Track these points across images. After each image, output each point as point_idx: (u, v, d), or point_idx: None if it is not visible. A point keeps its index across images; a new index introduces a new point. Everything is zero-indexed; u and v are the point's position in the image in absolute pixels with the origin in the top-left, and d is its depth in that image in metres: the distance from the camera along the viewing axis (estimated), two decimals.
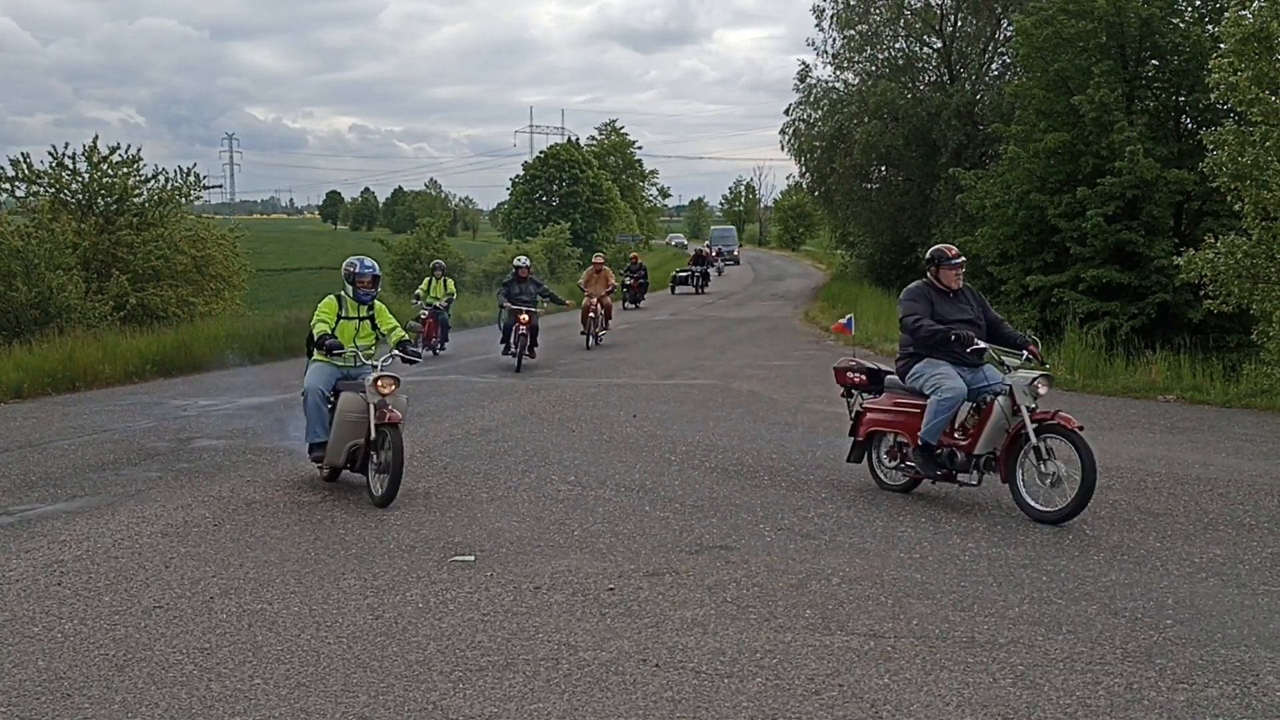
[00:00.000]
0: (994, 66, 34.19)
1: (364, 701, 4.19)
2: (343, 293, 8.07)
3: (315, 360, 8.01)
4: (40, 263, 20.07)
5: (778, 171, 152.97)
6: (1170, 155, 21.02)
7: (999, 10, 32.21)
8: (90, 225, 23.94)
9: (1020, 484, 6.92)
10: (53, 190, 24.45)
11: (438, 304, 18.23)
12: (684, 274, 40.48)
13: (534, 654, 4.67)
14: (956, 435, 7.23)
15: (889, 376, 7.78)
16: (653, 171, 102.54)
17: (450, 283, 18.95)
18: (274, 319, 21.12)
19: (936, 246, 7.67)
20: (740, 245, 79.38)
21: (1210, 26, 20.47)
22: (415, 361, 7.94)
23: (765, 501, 7.50)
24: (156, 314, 23.16)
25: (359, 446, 7.58)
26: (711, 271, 44.92)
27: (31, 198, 24.60)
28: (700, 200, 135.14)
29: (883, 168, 35.75)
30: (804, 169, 39.08)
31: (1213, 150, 13.49)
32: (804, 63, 40.73)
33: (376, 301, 8.16)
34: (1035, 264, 22.31)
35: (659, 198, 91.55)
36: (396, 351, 7.87)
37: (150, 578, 5.84)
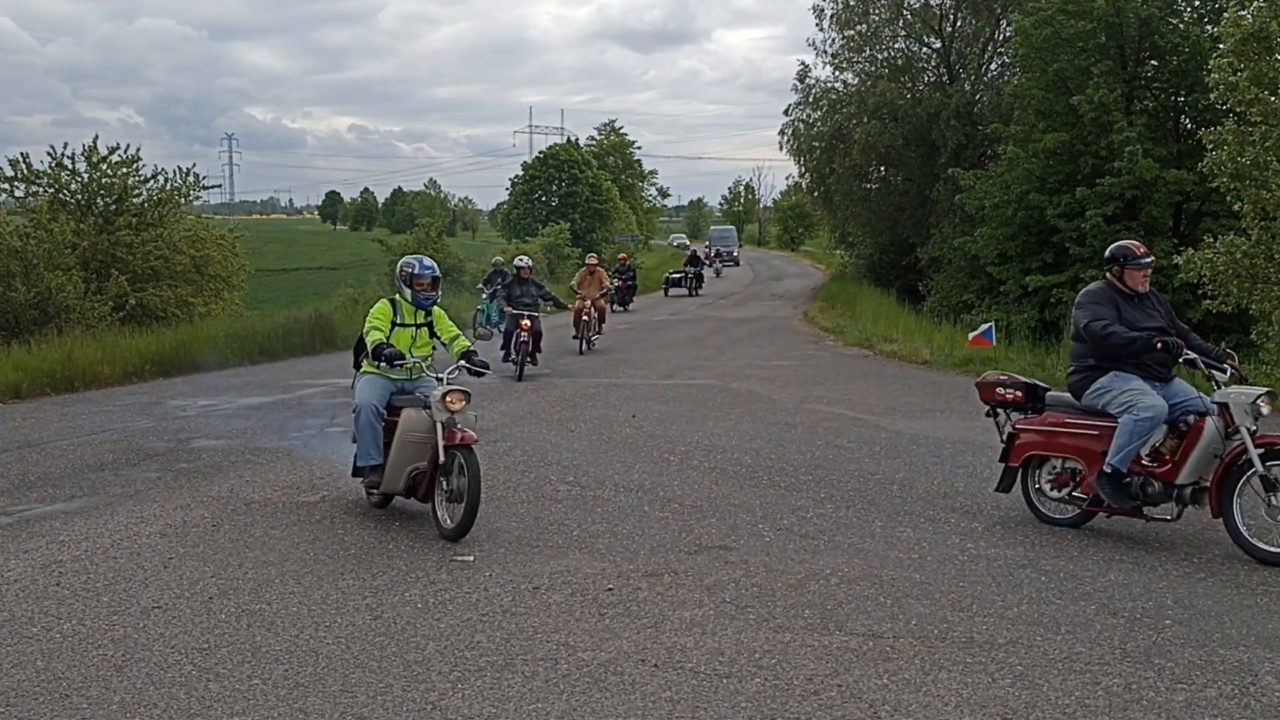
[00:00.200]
0: (993, 67, 34.22)
1: (362, 702, 4.19)
2: (397, 296, 7.27)
3: (366, 372, 7.19)
4: (39, 263, 20.07)
5: (777, 172, 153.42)
6: (1169, 155, 21.05)
7: (998, 10, 32.22)
8: (89, 225, 23.95)
9: (1239, 519, 5.96)
10: (52, 190, 24.46)
11: None
12: (677, 275, 39.56)
13: (533, 654, 4.67)
14: (1146, 461, 6.28)
15: (1050, 393, 7.01)
16: (652, 171, 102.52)
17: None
18: (273, 319, 21.13)
19: (1121, 243, 6.66)
20: (740, 245, 78.36)
21: (1209, 27, 20.49)
22: (483, 374, 7.12)
23: (764, 502, 7.49)
24: (155, 314, 23.17)
25: (421, 471, 6.76)
26: (709, 273, 44.62)
27: (30, 198, 24.62)
28: (700, 200, 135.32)
29: (882, 168, 35.77)
30: (803, 169, 39.14)
31: (1212, 150, 13.50)
32: (803, 63, 40.77)
33: (435, 307, 7.33)
34: (1034, 264, 22.35)
35: (658, 198, 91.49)
36: (462, 362, 7.03)
37: (149, 578, 5.84)
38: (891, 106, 32.42)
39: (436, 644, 4.81)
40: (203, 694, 4.28)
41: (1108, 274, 6.61)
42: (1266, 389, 6.10)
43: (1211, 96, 14.47)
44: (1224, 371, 6.20)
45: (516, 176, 64.35)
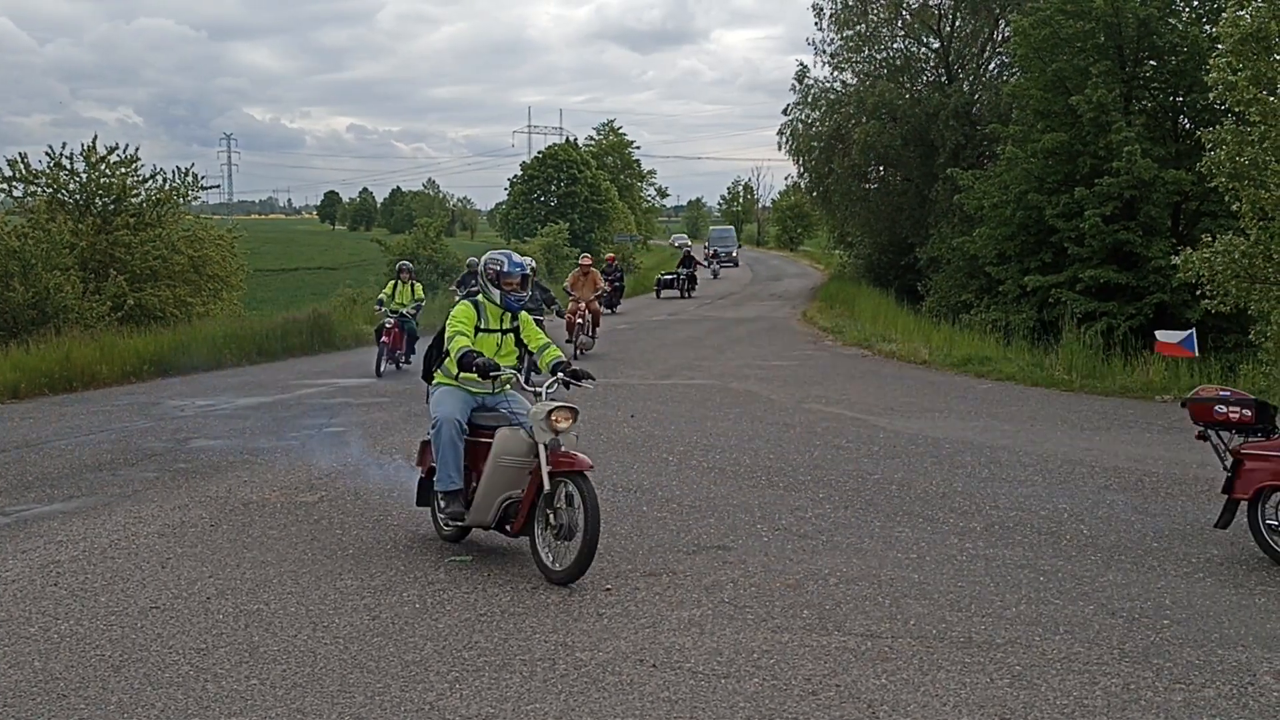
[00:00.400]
0: (992, 67, 34.24)
1: (360, 702, 4.18)
2: (480, 298, 6.32)
3: (442, 384, 6.33)
4: (37, 263, 20.05)
5: (776, 172, 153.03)
6: (1168, 155, 21.06)
7: (997, 10, 32.24)
8: (88, 225, 23.93)
9: None
10: (50, 190, 24.45)
11: (404, 311, 16.02)
12: (669, 277, 38.37)
13: (531, 654, 4.67)
14: None
15: None
16: (651, 171, 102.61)
17: (419, 287, 16.78)
18: (271, 319, 21.12)
19: None
20: (739, 246, 77.31)
21: (1208, 27, 20.50)
22: (586, 385, 6.11)
23: (762, 502, 7.49)
24: (154, 314, 23.15)
25: (515, 500, 5.87)
26: (706, 275, 44.21)
27: (29, 198, 24.60)
28: (698, 200, 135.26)
29: (881, 168, 35.77)
30: (802, 169, 39.11)
31: (1210, 150, 13.50)
32: (801, 63, 40.66)
33: (523, 311, 6.47)
34: (1033, 264, 22.35)
35: (657, 198, 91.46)
36: (561, 375, 6.05)
37: (147, 578, 5.83)
38: (890, 106, 32.43)
39: (434, 644, 4.80)
40: (200, 694, 4.28)
41: None
42: None
43: (1210, 96, 14.46)
44: None
45: (515, 176, 64.27)
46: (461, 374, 6.11)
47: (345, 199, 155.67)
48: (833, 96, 36.58)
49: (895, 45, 35.92)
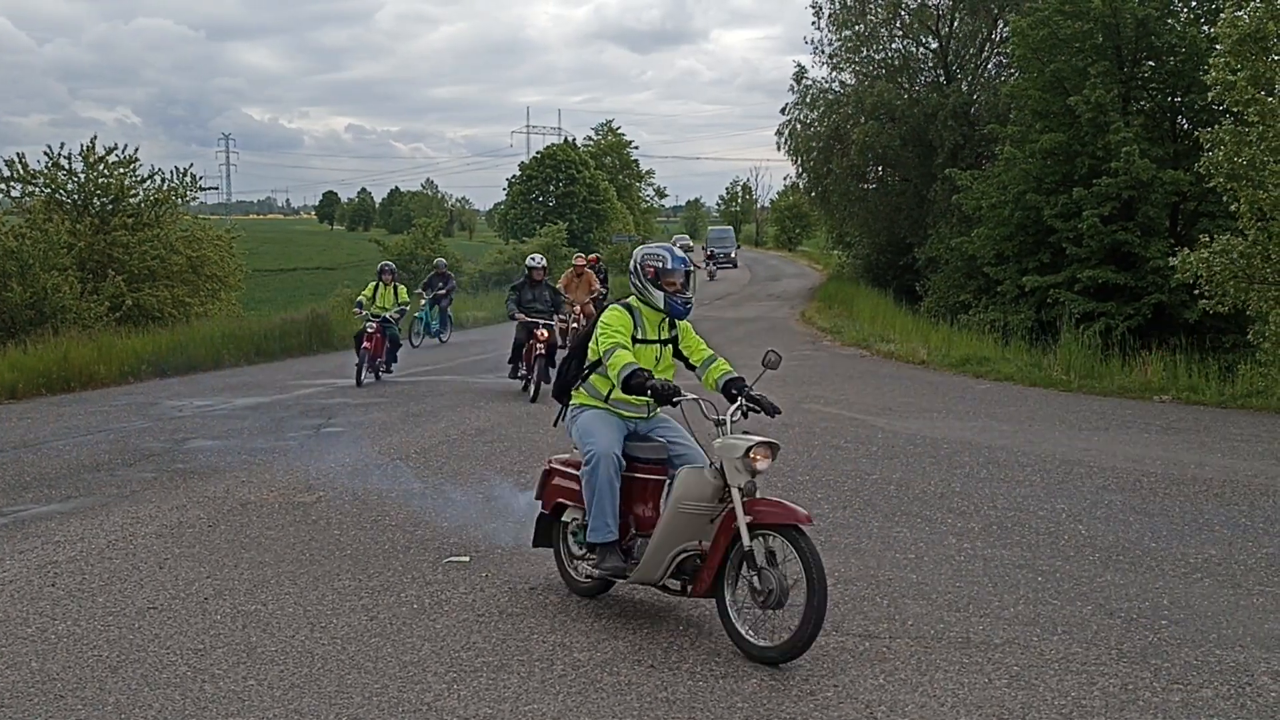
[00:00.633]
0: (990, 67, 34.25)
1: (358, 703, 4.18)
2: (633, 301, 5.25)
3: (587, 406, 5.23)
4: (35, 263, 20.05)
5: (774, 172, 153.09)
6: (1166, 156, 21.08)
7: (995, 11, 32.26)
8: (86, 225, 23.94)
9: None
10: (48, 190, 24.44)
11: (386, 315, 14.86)
12: None
13: (529, 655, 4.66)
14: None
15: None
16: (649, 171, 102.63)
17: (402, 290, 15.58)
18: (270, 319, 21.13)
19: None
20: (738, 246, 75.97)
21: (1206, 27, 20.52)
22: (770, 414, 5.04)
23: None
24: (152, 314, 23.17)
25: (693, 554, 4.79)
26: (702, 276, 43.98)
27: (27, 198, 24.59)
28: (697, 200, 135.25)
29: (879, 168, 35.79)
30: (801, 169, 39.10)
31: (1209, 150, 13.52)
32: (799, 64, 40.79)
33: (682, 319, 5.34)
34: (1031, 264, 22.37)
35: (656, 198, 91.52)
36: (742, 400, 5.00)
37: (144, 579, 5.83)
38: (889, 107, 32.45)
39: (432, 645, 4.80)
40: (198, 695, 4.27)
41: None
42: None
43: (1209, 96, 14.48)
44: None
45: (514, 177, 64.32)
46: (614, 395, 5.12)
47: (344, 199, 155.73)
48: (831, 97, 36.59)
49: (894, 45, 35.94)
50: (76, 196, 24.65)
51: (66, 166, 24.38)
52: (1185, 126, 22.51)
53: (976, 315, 22.88)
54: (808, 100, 37.37)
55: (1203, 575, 5.73)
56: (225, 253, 26.95)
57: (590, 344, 5.24)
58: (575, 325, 16.55)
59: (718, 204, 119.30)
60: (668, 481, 4.97)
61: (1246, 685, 4.26)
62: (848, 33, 35.38)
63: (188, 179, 26.13)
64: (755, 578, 4.53)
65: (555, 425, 5.60)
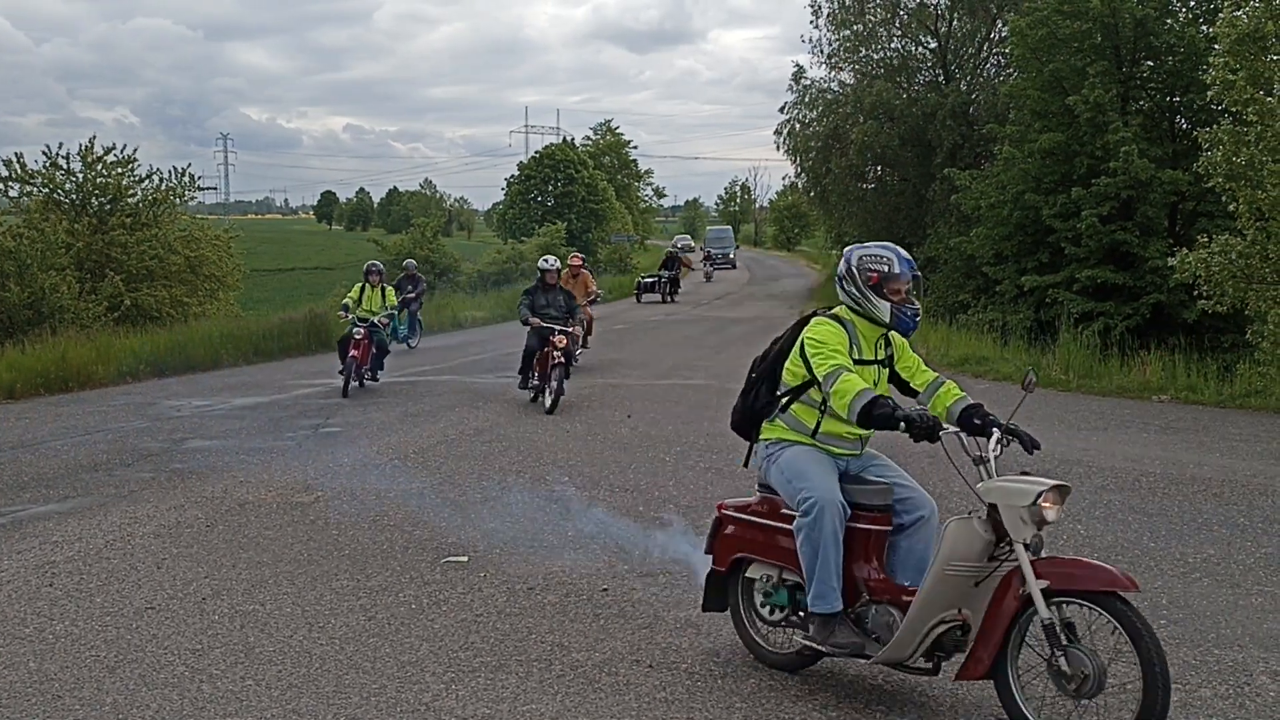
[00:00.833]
0: (989, 67, 34.24)
1: (356, 703, 4.18)
2: (840, 311, 4.35)
3: (788, 441, 4.34)
4: (33, 263, 20.04)
5: (773, 172, 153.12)
6: (1165, 156, 21.08)
7: (994, 10, 32.26)
8: (84, 225, 23.93)
9: None
10: (46, 190, 24.43)
11: (374, 320, 13.64)
12: (649, 280, 35.72)
13: (527, 655, 4.66)
14: None
15: None
16: (648, 171, 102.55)
17: (390, 292, 14.41)
18: (268, 319, 21.12)
19: None
20: (737, 247, 74.68)
21: (1205, 27, 20.52)
22: (1029, 449, 4.12)
23: None
24: (150, 314, 23.18)
25: (953, 626, 3.89)
26: (699, 277, 43.55)
27: (25, 198, 24.59)
28: (696, 200, 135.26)
29: (878, 168, 35.78)
30: (799, 169, 39.09)
31: (1207, 150, 13.52)
32: (798, 64, 40.80)
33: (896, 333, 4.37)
34: (1030, 264, 22.36)
35: (654, 198, 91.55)
36: (1000, 433, 4.11)
37: (142, 579, 5.82)
38: (888, 106, 32.45)
39: (430, 645, 4.79)
40: (196, 695, 4.27)
41: None
42: None
43: (1208, 95, 14.48)
44: None
45: (512, 176, 64.34)
46: (824, 428, 4.28)
47: (342, 199, 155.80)
48: (830, 97, 36.59)
49: (892, 45, 35.93)
50: (75, 196, 24.65)
51: (65, 166, 24.38)
52: (1184, 126, 22.50)
53: (975, 315, 22.88)
54: (806, 100, 37.38)
55: (1201, 575, 5.73)
56: (223, 253, 26.96)
57: (787, 364, 4.35)
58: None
59: (716, 204, 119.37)
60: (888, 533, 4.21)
61: (1245, 685, 4.26)
62: (846, 32, 35.38)
63: (186, 179, 26.16)
64: (1062, 659, 3.64)
65: (745, 466, 4.75)
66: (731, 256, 60.89)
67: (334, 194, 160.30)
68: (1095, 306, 20.38)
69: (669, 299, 34.41)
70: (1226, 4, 14.04)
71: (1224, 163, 13.00)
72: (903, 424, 3.94)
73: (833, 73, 36.80)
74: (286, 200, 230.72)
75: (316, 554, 6.29)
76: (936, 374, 4.45)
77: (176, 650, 4.75)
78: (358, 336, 13.24)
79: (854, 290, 4.24)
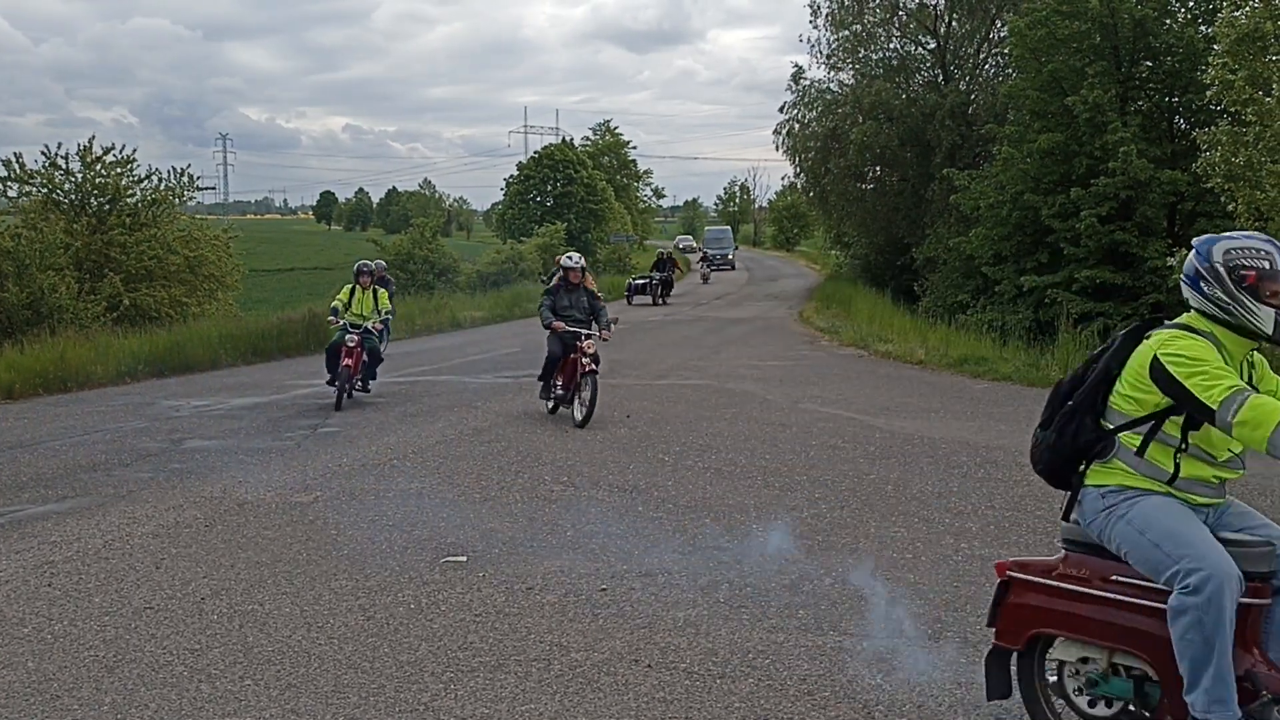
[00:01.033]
0: (988, 67, 34.24)
1: (355, 703, 4.17)
2: (1197, 321, 3.42)
3: (1137, 491, 3.41)
4: (32, 263, 20.03)
5: (772, 172, 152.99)
6: (1163, 156, 21.09)
7: (993, 11, 32.27)
8: (83, 225, 23.92)
9: None
10: (45, 190, 24.42)
11: (367, 325, 12.68)
12: (641, 281, 35.25)
13: (526, 655, 4.66)
14: None
15: None
16: (647, 171, 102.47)
17: (384, 295, 13.34)
18: (267, 319, 21.11)
19: None
20: (735, 247, 74.06)
21: (1204, 27, 20.53)
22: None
23: (759, 502, 7.48)
24: (149, 314, 23.15)
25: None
26: (696, 279, 43.40)
27: (24, 198, 24.58)
28: (695, 201, 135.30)
29: (877, 168, 35.76)
30: (798, 169, 39.09)
31: (1206, 151, 13.54)
32: (797, 65, 40.81)
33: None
34: (1029, 264, 22.37)
35: (653, 198, 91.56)
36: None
37: (141, 579, 5.82)
38: (887, 107, 32.45)
39: (429, 644, 4.79)
40: (194, 695, 4.26)
41: None
42: None
43: (1207, 96, 14.50)
44: None
45: (511, 177, 64.32)
46: (1185, 472, 3.38)
47: (341, 199, 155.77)
48: (829, 97, 36.60)
49: (891, 45, 35.93)
50: (73, 196, 24.64)
51: (64, 166, 24.37)
52: (1183, 126, 22.51)
53: (974, 315, 22.87)
54: (805, 100, 37.39)
55: None
56: (222, 253, 26.93)
57: (1121, 390, 3.43)
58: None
59: (715, 204, 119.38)
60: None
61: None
62: (845, 32, 35.38)
63: (185, 179, 26.13)
64: None
65: (1066, 519, 3.68)
66: (730, 257, 60.54)
67: (333, 194, 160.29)
68: (1094, 306, 20.38)
69: (661, 301, 34.01)
70: (1226, 4, 14.06)
71: (1223, 163, 13.03)
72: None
73: (832, 73, 36.83)
74: (285, 200, 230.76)
75: (315, 554, 6.28)
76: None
77: (175, 650, 4.75)
78: (351, 344, 12.21)
79: (1219, 294, 3.32)
